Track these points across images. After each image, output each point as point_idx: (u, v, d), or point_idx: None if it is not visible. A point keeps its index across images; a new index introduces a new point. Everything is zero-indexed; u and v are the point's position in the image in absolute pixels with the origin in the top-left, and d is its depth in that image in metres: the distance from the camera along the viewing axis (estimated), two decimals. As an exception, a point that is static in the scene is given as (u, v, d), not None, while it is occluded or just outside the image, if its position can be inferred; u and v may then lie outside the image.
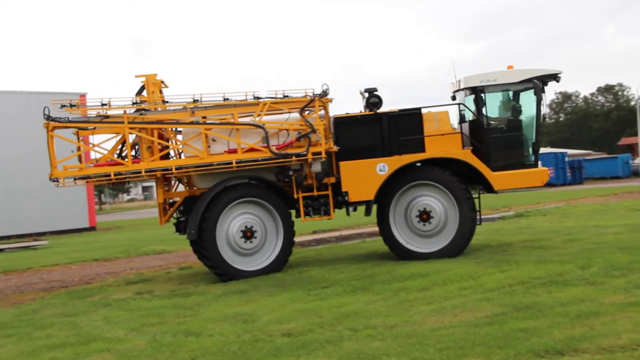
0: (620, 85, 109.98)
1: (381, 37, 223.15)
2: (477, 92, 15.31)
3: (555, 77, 15.50)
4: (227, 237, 14.63)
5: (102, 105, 14.52)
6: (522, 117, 15.58)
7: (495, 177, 15.10)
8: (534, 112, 15.39)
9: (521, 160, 15.46)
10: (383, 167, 15.05)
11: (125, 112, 14.63)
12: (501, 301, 9.87)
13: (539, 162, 15.85)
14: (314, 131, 14.70)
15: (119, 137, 14.88)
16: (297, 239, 21.73)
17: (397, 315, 9.57)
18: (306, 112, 15.00)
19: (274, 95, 15.03)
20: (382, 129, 15.20)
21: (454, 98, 16.47)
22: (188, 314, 11.14)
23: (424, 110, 15.39)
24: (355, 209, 16.10)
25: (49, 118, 14.42)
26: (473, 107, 15.49)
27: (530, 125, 15.48)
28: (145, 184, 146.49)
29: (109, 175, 14.51)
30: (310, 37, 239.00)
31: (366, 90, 15.34)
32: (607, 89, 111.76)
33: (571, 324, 8.23)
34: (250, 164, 14.66)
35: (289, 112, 14.95)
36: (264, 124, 14.68)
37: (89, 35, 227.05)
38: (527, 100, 15.54)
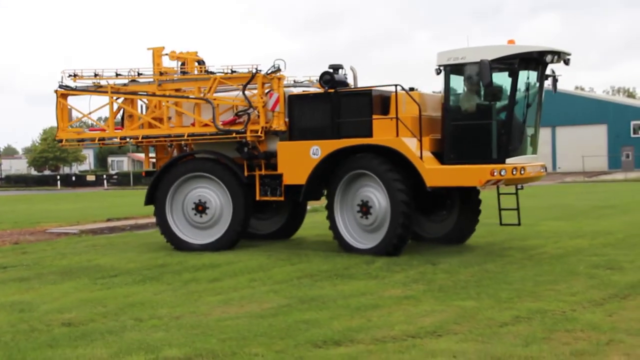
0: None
1: (212, 28, 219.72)
2: (446, 71, 13.45)
3: (541, 55, 13.23)
4: (182, 209, 15.26)
5: (95, 75, 16.11)
6: (495, 103, 13.29)
7: (429, 172, 12.99)
8: (507, 97, 13.19)
9: (485, 154, 13.13)
10: (316, 150, 14.02)
11: (108, 83, 16.09)
12: (288, 293, 10.12)
13: (515, 159, 13.22)
14: (251, 108, 14.54)
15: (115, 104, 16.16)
16: (88, 227, 21.04)
17: (184, 306, 9.50)
18: (265, 89, 14.67)
19: (222, 71, 15.30)
20: (330, 109, 13.97)
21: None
22: (-42, 303, 10.33)
23: (389, 90, 13.76)
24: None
25: (60, 86, 16.22)
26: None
27: (503, 113, 13.32)
28: None
29: (94, 140, 16.81)
30: (141, 23, 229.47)
31: (330, 67, 14.54)
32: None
33: (350, 316, 8.62)
34: (199, 138, 15.19)
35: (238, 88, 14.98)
36: (214, 99, 14.87)
37: None
38: (505, 83, 13.26)
